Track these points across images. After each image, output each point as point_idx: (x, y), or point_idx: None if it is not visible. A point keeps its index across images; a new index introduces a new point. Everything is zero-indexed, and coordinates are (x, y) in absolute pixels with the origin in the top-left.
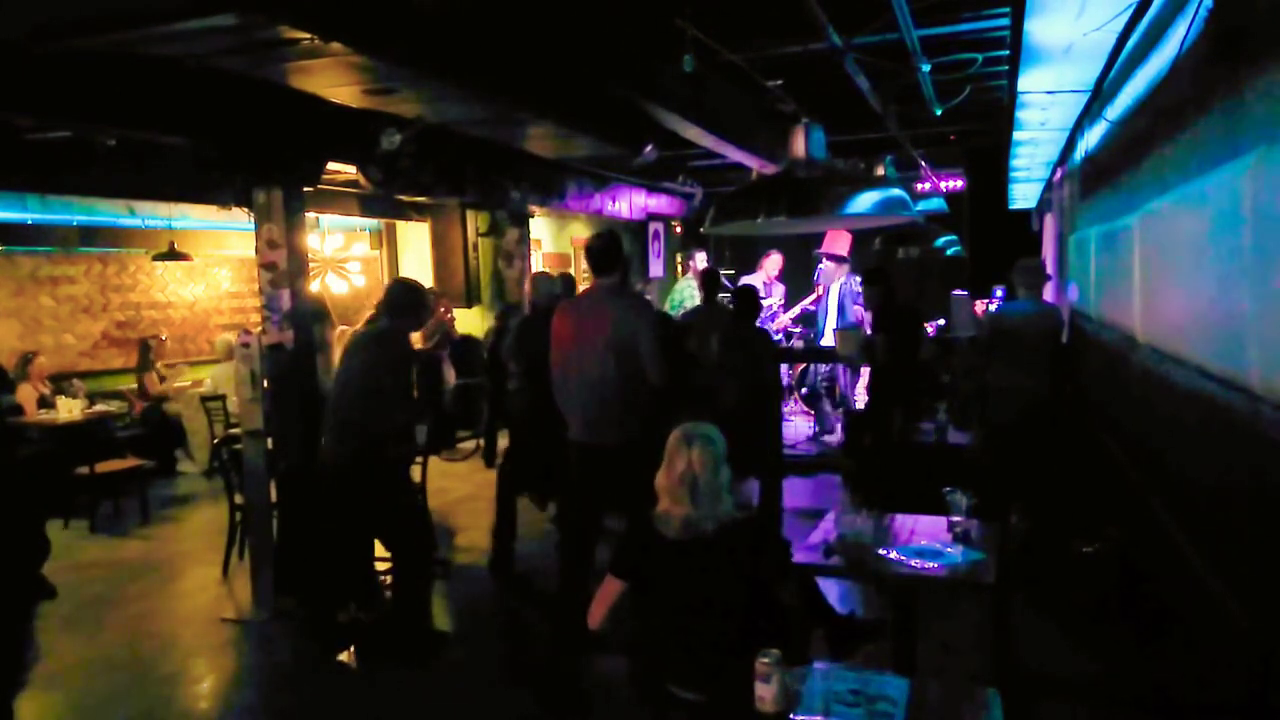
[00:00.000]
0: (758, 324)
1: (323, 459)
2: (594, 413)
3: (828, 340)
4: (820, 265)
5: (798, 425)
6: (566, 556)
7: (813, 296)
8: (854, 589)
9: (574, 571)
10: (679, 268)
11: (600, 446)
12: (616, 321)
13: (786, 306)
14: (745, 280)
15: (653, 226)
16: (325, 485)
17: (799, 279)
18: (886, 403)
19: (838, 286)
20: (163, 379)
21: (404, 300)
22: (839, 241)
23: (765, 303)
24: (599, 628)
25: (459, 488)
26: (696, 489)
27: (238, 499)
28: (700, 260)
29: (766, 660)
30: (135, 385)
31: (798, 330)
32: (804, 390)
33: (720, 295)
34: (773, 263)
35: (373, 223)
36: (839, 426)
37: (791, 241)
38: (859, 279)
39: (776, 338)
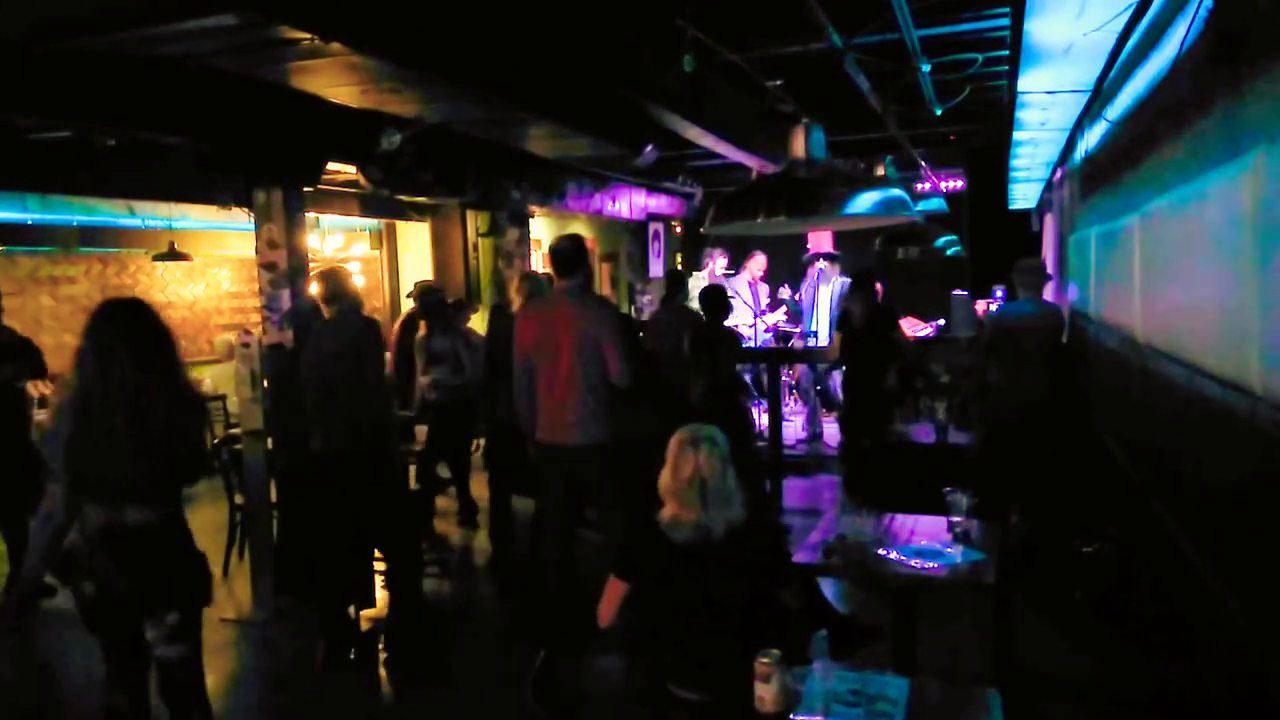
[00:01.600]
0: (726, 324)
1: (314, 453)
2: (559, 414)
3: (822, 339)
4: (819, 266)
5: (796, 426)
6: (546, 559)
7: (796, 294)
8: (853, 589)
9: (556, 573)
10: (679, 268)
11: (566, 447)
12: (580, 323)
13: (773, 306)
14: (732, 281)
15: (653, 226)
16: (320, 479)
17: (790, 279)
18: (886, 405)
19: (830, 287)
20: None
21: (331, 289)
22: (824, 240)
23: (743, 303)
24: (609, 625)
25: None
26: (706, 492)
27: (238, 499)
28: (719, 260)
29: (766, 660)
30: None
31: (797, 330)
32: (802, 390)
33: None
34: (756, 264)
35: (373, 223)
36: (829, 428)
37: (776, 242)
38: (847, 279)
39: (766, 335)
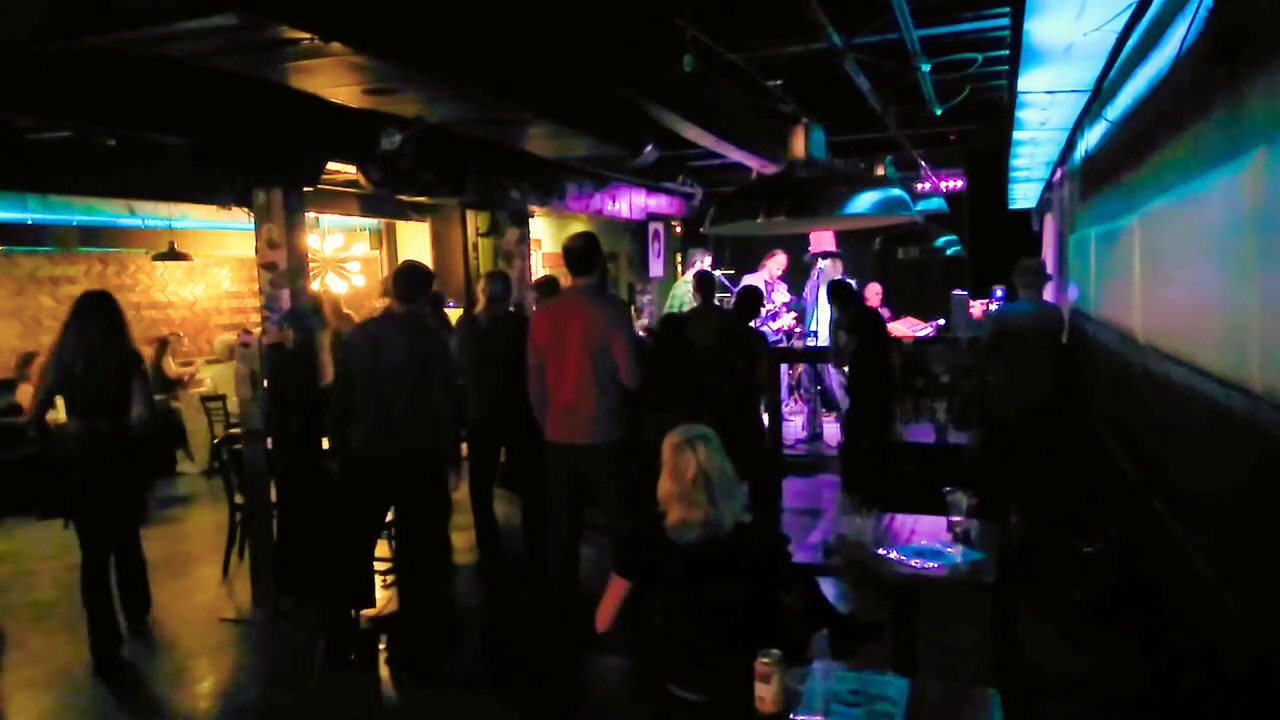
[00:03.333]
0: (755, 325)
1: (369, 454)
2: (570, 413)
3: (822, 339)
4: (820, 266)
5: (796, 426)
6: (551, 558)
7: (799, 296)
8: (853, 589)
9: (560, 572)
10: (679, 268)
11: (577, 446)
12: (593, 322)
13: (789, 307)
14: (748, 280)
15: (653, 226)
16: (365, 481)
17: (790, 279)
18: (885, 404)
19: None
20: (182, 369)
21: (417, 280)
22: (826, 239)
23: (769, 307)
24: (608, 628)
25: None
26: (712, 488)
27: (238, 499)
28: (705, 260)
29: (766, 660)
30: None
31: (798, 330)
32: (803, 390)
33: (717, 296)
34: (776, 263)
35: (373, 223)
36: (829, 428)
37: (793, 242)
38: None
39: (776, 338)
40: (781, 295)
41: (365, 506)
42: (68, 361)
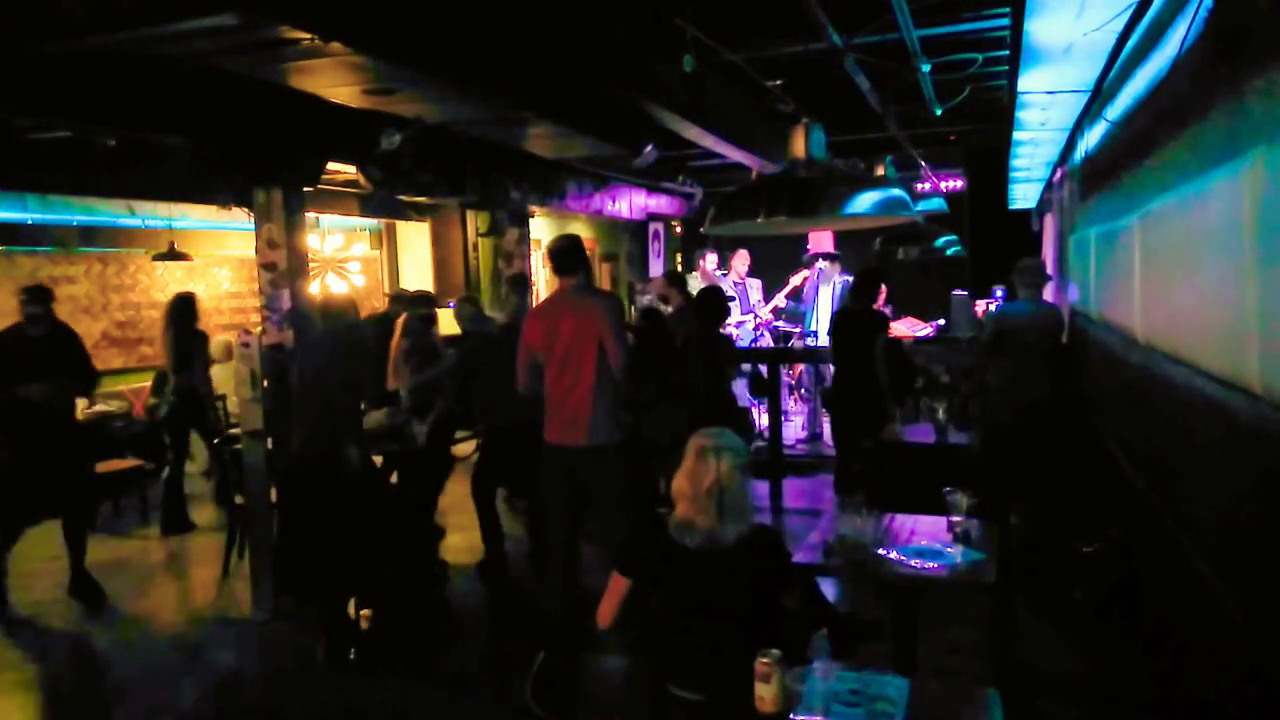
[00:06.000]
0: (731, 324)
1: (294, 456)
2: (568, 415)
3: (822, 339)
4: (819, 266)
5: (796, 426)
6: (550, 560)
7: (788, 289)
8: (853, 589)
9: (559, 574)
10: (679, 268)
11: (575, 449)
12: (588, 321)
13: (765, 301)
14: (719, 280)
15: (653, 226)
16: (298, 482)
17: (780, 274)
18: (885, 404)
19: (831, 286)
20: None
21: (335, 314)
22: (825, 240)
23: (735, 303)
24: (609, 626)
25: (456, 488)
26: (724, 503)
27: (238, 499)
28: (710, 260)
29: (766, 660)
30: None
31: (797, 330)
32: (803, 390)
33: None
34: (740, 261)
35: (373, 223)
36: (829, 428)
37: (776, 242)
38: (849, 278)
39: (757, 334)
40: (755, 293)
41: (299, 506)
42: (175, 344)
